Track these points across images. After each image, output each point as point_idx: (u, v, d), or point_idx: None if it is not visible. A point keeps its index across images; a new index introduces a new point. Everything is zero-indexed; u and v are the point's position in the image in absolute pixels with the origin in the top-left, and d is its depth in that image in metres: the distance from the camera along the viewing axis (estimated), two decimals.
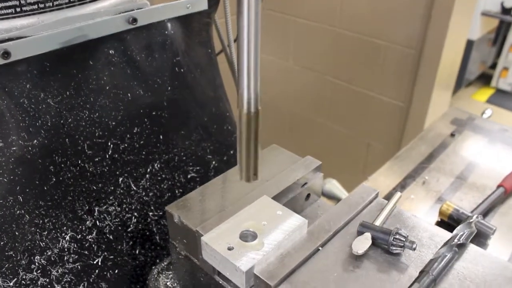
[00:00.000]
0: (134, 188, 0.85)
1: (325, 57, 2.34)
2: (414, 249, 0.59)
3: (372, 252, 0.61)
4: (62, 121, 0.75)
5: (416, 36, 2.01)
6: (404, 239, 0.59)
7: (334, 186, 0.97)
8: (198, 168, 0.93)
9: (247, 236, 0.62)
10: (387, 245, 0.60)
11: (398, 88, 2.15)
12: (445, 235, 0.63)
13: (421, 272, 0.56)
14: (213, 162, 0.96)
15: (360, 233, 0.62)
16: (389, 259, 0.60)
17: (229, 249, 0.59)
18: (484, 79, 4.12)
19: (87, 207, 0.79)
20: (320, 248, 0.61)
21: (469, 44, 3.22)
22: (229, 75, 1.08)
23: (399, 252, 0.60)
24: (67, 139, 0.75)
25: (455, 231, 0.62)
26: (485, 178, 1.08)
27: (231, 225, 0.63)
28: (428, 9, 1.95)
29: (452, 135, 1.27)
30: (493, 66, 4.07)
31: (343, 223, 0.64)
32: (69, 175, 0.76)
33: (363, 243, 0.59)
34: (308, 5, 2.29)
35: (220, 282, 0.66)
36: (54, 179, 0.74)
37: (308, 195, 0.76)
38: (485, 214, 0.96)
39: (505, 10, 3.30)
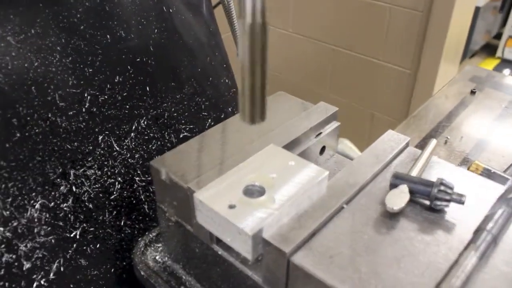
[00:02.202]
0: (117, 149, 0.72)
1: (326, 24, 2.20)
2: (463, 202, 0.47)
3: (409, 210, 0.49)
4: (26, 65, 0.62)
5: None
6: (451, 191, 0.47)
7: (347, 146, 0.85)
8: (191, 126, 0.81)
9: (253, 192, 0.49)
10: (429, 200, 0.48)
11: (404, 54, 2.02)
12: (496, 187, 0.52)
13: (477, 230, 0.44)
14: (209, 120, 0.83)
15: (393, 186, 0.50)
16: (431, 217, 0.48)
17: (231, 207, 0.47)
18: (488, 49, 3.98)
19: (60, 170, 0.66)
20: (345, 206, 0.49)
21: (476, 11, 3.07)
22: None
23: (443, 208, 0.48)
24: (33, 87, 0.62)
25: (509, 183, 0.51)
26: None
27: (232, 179, 0.50)
28: None
29: (473, 92, 1.15)
30: (497, 36, 3.93)
31: (370, 176, 0.52)
32: (37, 130, 0.63)
33: (399, 198, 0.48)
34: None
35: (220, 253, 0.54)
36: (18, 135, 0.61)
37: (323, 149, 0.64)
38: None
39: None
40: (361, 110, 2.24)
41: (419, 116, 1.05)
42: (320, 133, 0.62)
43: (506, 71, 1.38)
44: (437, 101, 1.12)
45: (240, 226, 0.45)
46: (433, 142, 0.55)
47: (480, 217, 0.47)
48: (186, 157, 0.56)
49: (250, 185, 0.49)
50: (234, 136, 0.60)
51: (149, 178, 0.76)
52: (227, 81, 0.86)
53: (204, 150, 0.58)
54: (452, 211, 0.49)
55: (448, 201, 0.47)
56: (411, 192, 0.48)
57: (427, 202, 0.49)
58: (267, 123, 0.63)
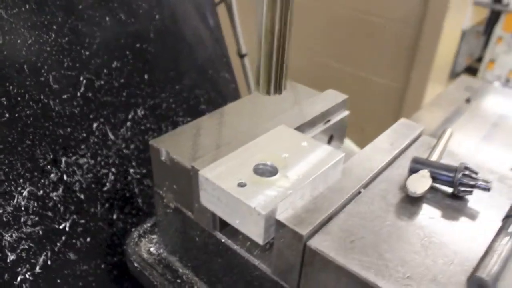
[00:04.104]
0: (112, 137, 0.68)
1: (318, 39, 2.21)
2: (489, 189, 0.44)
3: (431, 196, 0.46)
4: (19, 41, 0.58)
5: (415, 12, 1.90)
6: (476, 176, 0.44)
7: (348, 145, 0.83)
8: (189, 119, 0.77)
9: (264, 171, 0.45)
10: (452, 185, 0.45)
11: (394, 69, 2.04)
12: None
13: (506, 217, 0.41)
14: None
15: (413, 171, 0.47)
16: (454, 204, 0.45)
17: (240, 185, 0.43)
18: (470, 72, 4.07)
19: (51, 156, 0.62)
20: (362, 190, 0.46)
21: (462, 34, 3.14)
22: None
23: (466, 195, 0.46)
24: (25, 65, 0.58)
25: None
26: None
27: (241, 158, 0.46)
28: None
29: (468, 101, 1.15)
30: (478, 59, 4.02)
31: (387, 162, 0.49)
32: (27, 112, 0.59)
33: (421, 182, 0.45)
34: None
35: (223, 240, 0.50)
36: (7, 115, 0.57)
37: (331, 138, 0.61)
38: None
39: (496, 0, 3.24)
40: (352, 123, 2.24)
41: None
42: (329, 120, 0.59)
43: (496, 83, 1.39)
44: (432, 108, 1.11)
45: (251, 205, 0.41)
46: (449, 131, 0.53)
47: (504, 205, 0.45)
48: (188, 138, 0.52)
49: (261, 164, 0.46)
50: (238, 119, 0.57)
51: (144, 171, 0.72)
52: (226, 75, 0.83)
53: (206, 132, 0.54)
54: (475, 198, 0.46)
55: (473, 186, 0.44)
56: (433, 177, 0.46)
57: (449, 190, 0.46)
58: (274, 107, 0.60)
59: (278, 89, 0.41)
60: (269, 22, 0.38)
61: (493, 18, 3.56)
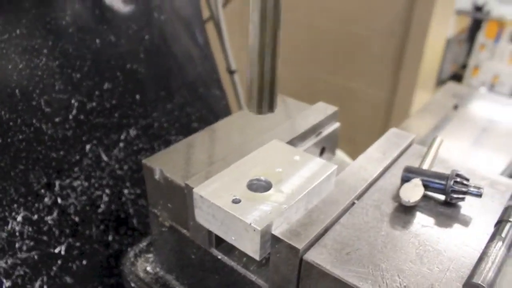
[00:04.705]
0: (105, 159, 0.68)
1: (306, 51, 2.24)
2: (481, 195, 0.45)
3: (424, 204, 0.47)
4: (10, 66, 0.58)
5: (399, 23, 1.93)
6: (467, 183, 0.45)
7: (339, 156, 0.84)
8: (181, 137, 0.78)
9: (258, 187, 0.46)
10: (444, 193, 0.46)
11: (382, 79, 2.07)
12: (509, 182, 0.50)
13: (499, 222, 0.42)
14: None
15: (405, 180, 0.48)
16: (447, 211, 0.46)
17: (235, 202, 0.43)
18: (456, 79, 4.13)
19: (45, 180, 0.62)
20: (356, 201, 0.47)
21: (446, 42, 3.20)
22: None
23: (458, 202, 0.47)
24: (17, 90, 0.59)
25: None
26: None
27: (234, 174, 0.47)
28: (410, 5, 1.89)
29: (455, 107, 1.17)
30: (463, 66, 4.09)
31: (379, 172, 0.50)
32: (20, 137, 0.59)
33: (413, 191, 0.45)
34: None
35: (219, 257, 0.50)
36: (0, 141, 0.57)
37: (323, 150, 0.61)
38: None
39: (477, 8, 3.31)
40: (343, 133, 2.25)
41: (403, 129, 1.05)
42: (320, 132, 0.60)
43: (482, 89, 1.41)
44: (421, 114, 1.12)
45: (247, 221, 0.42)
46: (439, 139, 0.54)
47: (496, 210, 0.45)
48: (181, 155, 0.53)
49: (255, 179, 0.46)
50: (230, 135, 0.57)
51: (138, 191, 0.72)
52: (217, 92, 0.84)
53: (199, 149, 0.54)
54: (466, 205, 0.47)
55: (465, 193, 0.45)
56: (425, 185, 0.46)
57: (441, 197, 0.47)
58: (265, 122, 0.61)
59: (270, 108, 0.42)
60: (260, 46, 0.38)
61: (475, 26, 3.64)
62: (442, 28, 2.24)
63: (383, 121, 2.13)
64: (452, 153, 0.98)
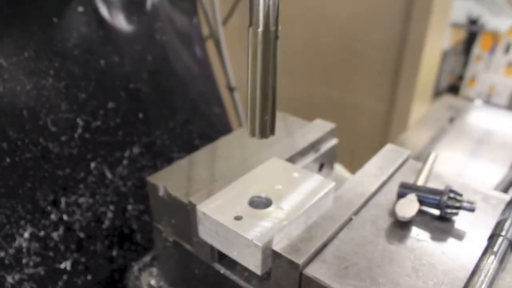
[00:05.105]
0: (109, 176, 0.70)
1: (303, 65, 2.27)
2: (474, 209, 0.47)
3: (419, 220, 0.49)
4: (18, 88, 0.60)
5: (396, 37, 1.96)
6: (460, 198, 0.47)
7: (339, 171, 0.86)
8: (183, 154, 0.80)
9: (259, 204, 0.48)
10: (438, 208, 0.48)
11: (379, 92, 2.09)
12: (501, 196, 0.52)
13: (491, 236, 0.44)
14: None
15: (401, 195, 0.50)
16: (442, 226, 0.48)
17: (237, 219, 0.45)
18: (452, 90, 4.18)
19: (51, 197, 0.63)
20: (353, 217, 0.49)
21: (443, 54, 3.24)
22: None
23: (452, 217, 0.48)
24: (24, 111, 0.61)
25: None
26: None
27: (236, 191, 0.49)
28: (407, 15, 1.92)
29: (451, 120, 1.19)
30: (460, 77, 4.13)
31: (376, 187, 0.52)
32: (27, 155, 0.61)
33: (409, 206, 0.47)
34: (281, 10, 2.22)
35: (222, 272, 0.52)
36: (8, 160, 0.59)
37: (322, 165, 0.63)
38: None
39: (472, 21, 3.36)
40: (342, 147, 2.27)
41: (399, 143, 1.07)
42: (319, 149, 0.62)
43: (478, 102, 1.44)
44: (418, 127, 1.15)
45: (248, 237, 0.43)
46: (433, 155, 0.56)
47: (489, 224, 0.47)
48: (183, 173, 0.55)
49: (255, 196, 0.48)
50: (231, 152, 0.59)
51: (142, 207, 0.74)
52: (218, 110, 0.86)
53: (201, 166, 0.56)
54: (460, 219, 0.49)
55: (458, 208, 0.47)
56: (420, 201, 0.48)
57: (436, 212, 0.49)
58: (265, 140, 0.62)
59: (271, 131, 0.44)
60: (262, 72, 0.40)
61: (470, 39, 3.69)
62: (438, 41, 2.28)
63: (382, 133, 2.15)
64: (449, 165, 1.00)
